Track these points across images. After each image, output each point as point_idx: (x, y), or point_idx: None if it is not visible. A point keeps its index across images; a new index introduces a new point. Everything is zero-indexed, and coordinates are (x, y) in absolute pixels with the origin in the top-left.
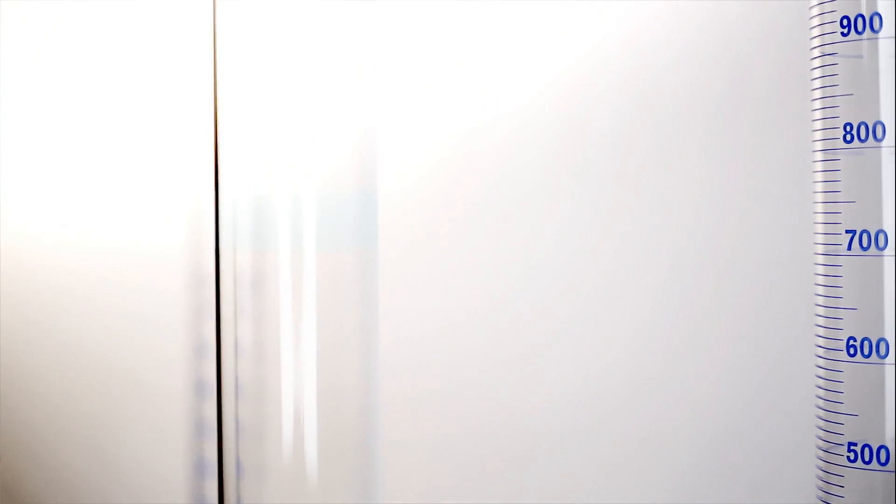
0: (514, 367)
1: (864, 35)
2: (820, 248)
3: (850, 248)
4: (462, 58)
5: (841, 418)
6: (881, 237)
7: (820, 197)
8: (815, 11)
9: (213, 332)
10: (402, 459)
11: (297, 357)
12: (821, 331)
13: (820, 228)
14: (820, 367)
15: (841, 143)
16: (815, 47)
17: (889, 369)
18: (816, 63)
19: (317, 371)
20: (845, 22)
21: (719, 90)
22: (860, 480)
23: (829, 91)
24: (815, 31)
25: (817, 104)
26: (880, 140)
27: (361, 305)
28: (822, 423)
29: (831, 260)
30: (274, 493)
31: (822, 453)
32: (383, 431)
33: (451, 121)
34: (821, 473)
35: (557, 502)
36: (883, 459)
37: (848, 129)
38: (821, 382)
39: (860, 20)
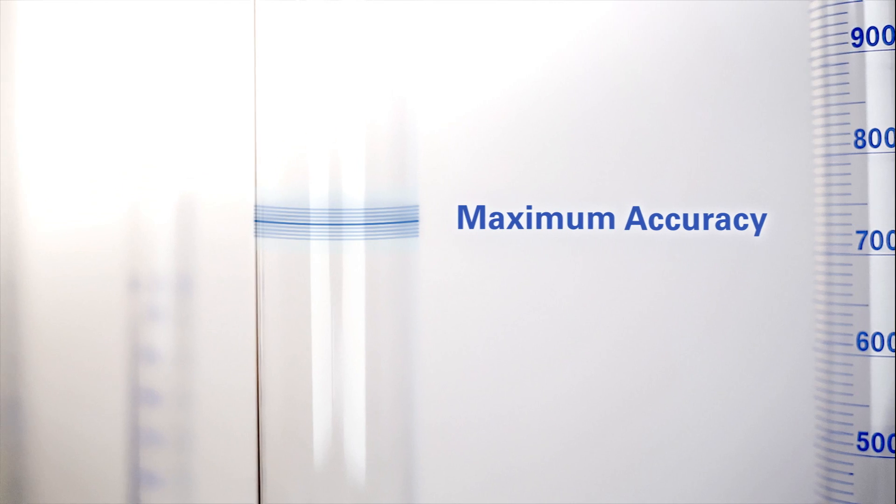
0: (549, 366)
1: (877, 46)
2: (831, 249)
3: (861, 247)
4: (506, 52)
5: (851, 409)
6: (892, 237)
7: (832, 199)
8: (823, 23)
9: (147, 337)
10: (441, 459)
11: (338, 353)
12: (832, 327)
13: (831, 230)
14: (829, 362)
15: (853, 149)
16: (822, 56)
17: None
18: (828, 71)
19: (365, 368)
20: (857, 34)
21: (719, 94)
22: (869, 468)
23: (841, 98)
24: (826, 41)
25: (828, 111)
26: (892, 146)
27: (402, 301)
28: (829, 415)
29: (843, 259)
30: (315, 495)
31: (828, 444)
32: (422, 431)
33: (493, 112)
34: (825, 464)
35: (579, 501)
36: (894, 447)
37: (859, 134)
38: (829, 377)
39: (873, 32)
